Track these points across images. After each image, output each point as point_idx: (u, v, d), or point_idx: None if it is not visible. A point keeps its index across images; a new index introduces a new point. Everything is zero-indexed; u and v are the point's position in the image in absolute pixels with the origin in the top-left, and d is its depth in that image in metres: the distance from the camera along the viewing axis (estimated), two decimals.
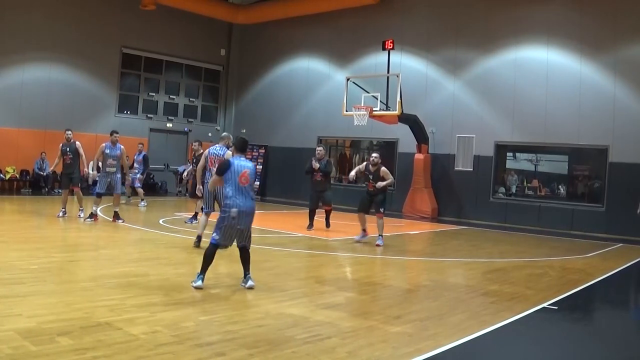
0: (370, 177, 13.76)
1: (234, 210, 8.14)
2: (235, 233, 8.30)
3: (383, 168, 13.75)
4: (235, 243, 8.42)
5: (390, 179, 13.79)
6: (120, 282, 8.21)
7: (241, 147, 8.71)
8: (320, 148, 16.41)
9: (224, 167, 8.33)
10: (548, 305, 8.48)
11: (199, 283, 8.15)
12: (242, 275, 8.39)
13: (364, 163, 14.28)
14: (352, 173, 14.44)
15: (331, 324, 6.78)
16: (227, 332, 6.19)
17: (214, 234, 8.26)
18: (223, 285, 8.54)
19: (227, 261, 10.83)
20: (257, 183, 25.72)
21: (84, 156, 16.13)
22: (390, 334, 6.58)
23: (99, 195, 15.15)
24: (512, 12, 21.74)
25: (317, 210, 16.02)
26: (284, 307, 7.46)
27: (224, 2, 28.94)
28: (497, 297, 8.80)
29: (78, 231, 14.19)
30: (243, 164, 8.39)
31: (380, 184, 13.55)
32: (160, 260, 10.43)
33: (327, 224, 16.22)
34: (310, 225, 16.07)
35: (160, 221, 15.81)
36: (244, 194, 8.29)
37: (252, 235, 8.53)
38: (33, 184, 23.46)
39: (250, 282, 8.37)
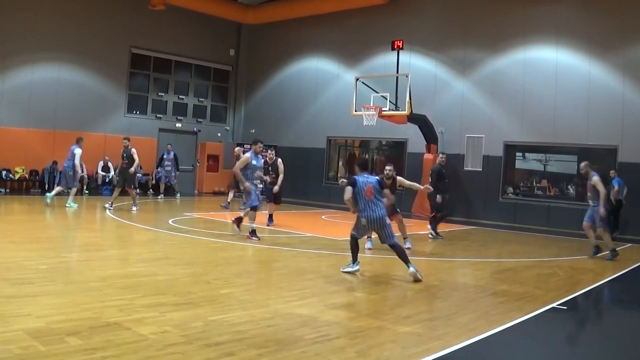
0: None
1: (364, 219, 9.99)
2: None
3: (399, 177, 13.93)
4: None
5: (413, 184, 14.40)
6: (129, 282, 8.23)
7: (363, 166, 10.51)
8: (444, 156, 16.77)
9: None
10: (557, 305, 8.44)
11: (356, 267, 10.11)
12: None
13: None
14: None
15: (340, 324, 6.78)
16: (236, 332, 6.19)
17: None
18: (232, 285, 8.55)
19: (237, 262, 10.85)
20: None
21: (137, 161, 18.42)
22: (399, 334, 6.57)
23: (255, 209, 13.62)
24: (521, 12, 21.67)
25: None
26: (293, 307, 7.46)
27: (233, 2, 28.95)
28: (506, 297, 8.78)
29: (87, 231, 14.25)
30: (367, 180, 10.08)
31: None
32: (170, 260, 10.44)
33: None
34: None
35: (170, 221, 15.84)
36: (370, 204, 9.92)
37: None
38: (42, 184, 23.48)
39: (411, 269, 9.71)
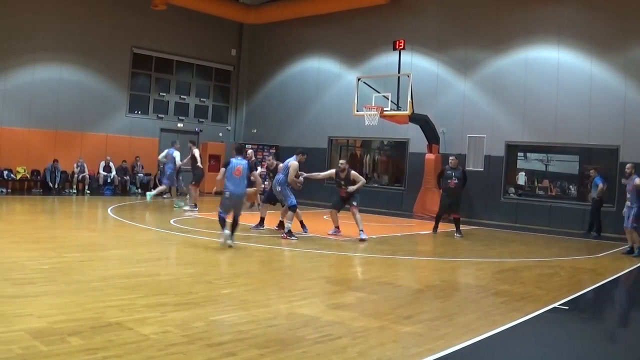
0: (342, 182, 14.75)
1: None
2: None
3: (353, 172, 14.90)
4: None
5: (361, 181, 14.80)
6: (130, 282, 8.24)
7: (239, 150, 12.64)
8: (453, 157, 17.57)
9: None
10: (559, 305, 8.44)
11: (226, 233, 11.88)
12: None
13: (333, 170, 15.23)
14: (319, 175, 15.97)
15: (342, 324, 6.78)
16: (238, 332, 6.19)
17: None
18: (234, 285, 8.56)
19: (239, 262, 10.85)
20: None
21: (198, 160, 19.52)
22: (401, 334, 6.57)
23: (294, 209, 14.28)
24: (523, 12, 21.66)
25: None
26: (294, 307, 7.46)
27: (235, 2, 28.96)
28: (507, 297, 8.78)
29: (89, 231, 14.25)
30: (239, 162, 12.20)
31: (352, 188, 14.56)
32: (171, 260, 10.46)
33: (458, 231, 16.96)
34: (436, 229, 17.28)
35: (171, 221, 15.84)
36: (235, 182, 12.06)
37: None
38: (43, 184, 23.49)
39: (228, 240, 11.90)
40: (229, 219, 12.01)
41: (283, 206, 15.25)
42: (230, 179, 12.04)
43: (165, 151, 20.15)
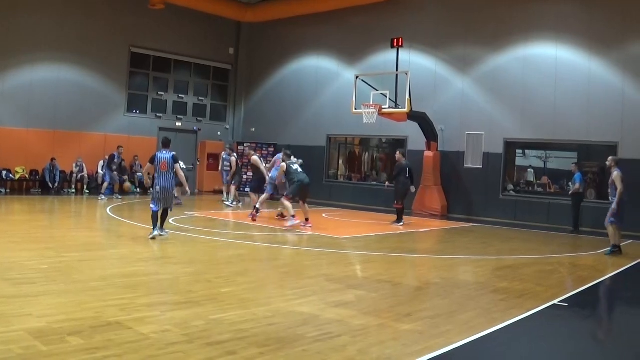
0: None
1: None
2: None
3: (283, 164, 16.58)
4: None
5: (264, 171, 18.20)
6: (130, 282, 8.24)
7: (165, 144, 13.10)
8: (398, 154, 19.03)
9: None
10: (558, 302, 8.45)
11: (155, 233, 12.47)
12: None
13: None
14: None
15: (341, 322, 6.78)
16: (237, 330, 6.19)
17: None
18: (233, 284, 8.56)
19: (238, 260, 10.85)
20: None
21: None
22: (400, 332, 6.57)
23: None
24: (521, 9, 21.64)
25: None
26: (294, 305, 7.46)
27: (233, 1, 28.88)
28: (507, 295, 8.79)
29: (88, 231, 14.26)
30: (164, 156, 12.71)
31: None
32: (170, 259, 10.45)
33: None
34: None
35: (171, 220, 15.83)
36: (163, 175, 12.60)
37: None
38: (42, 184, 23.46)
39: (155, 232, 12.54)
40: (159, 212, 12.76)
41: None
42: (158, 173, 12.63)
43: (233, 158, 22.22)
